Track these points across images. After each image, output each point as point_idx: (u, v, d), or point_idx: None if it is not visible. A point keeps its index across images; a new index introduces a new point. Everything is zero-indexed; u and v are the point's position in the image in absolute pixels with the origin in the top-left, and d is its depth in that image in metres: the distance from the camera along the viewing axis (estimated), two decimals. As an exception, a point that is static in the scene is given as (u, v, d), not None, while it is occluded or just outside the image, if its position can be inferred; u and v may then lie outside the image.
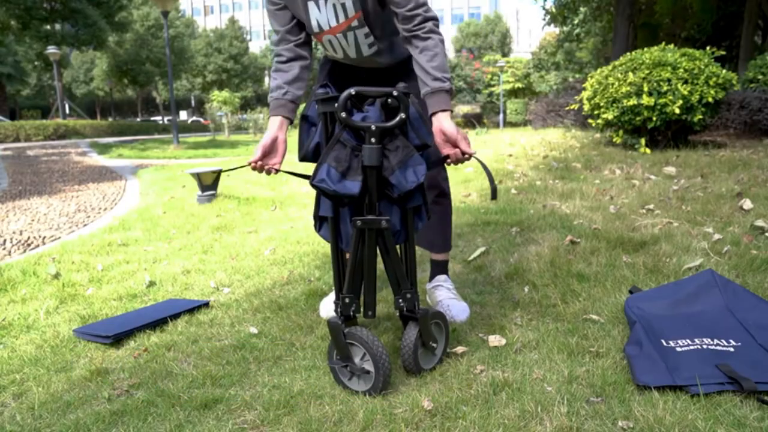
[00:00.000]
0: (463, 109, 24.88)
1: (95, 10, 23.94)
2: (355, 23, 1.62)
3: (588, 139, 7.70)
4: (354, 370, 1.36)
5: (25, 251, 3.21)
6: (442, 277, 1.95)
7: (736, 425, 1.14)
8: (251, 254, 2.83)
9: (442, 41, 1.56)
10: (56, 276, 2.58)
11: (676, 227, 2.73)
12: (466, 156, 1.49)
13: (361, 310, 1.43)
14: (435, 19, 1.57)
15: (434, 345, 1.48)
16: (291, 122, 1.66)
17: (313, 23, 1.64)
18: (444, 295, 1.87)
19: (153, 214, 4.03)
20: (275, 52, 1.71)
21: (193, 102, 54.09)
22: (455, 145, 1.49)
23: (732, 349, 1.38)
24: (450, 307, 1.80)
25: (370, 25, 1.64)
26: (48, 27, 23.85)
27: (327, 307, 1.91)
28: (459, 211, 3.49)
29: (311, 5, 1.61)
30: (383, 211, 1.41)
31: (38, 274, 2.61)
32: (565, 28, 19.88)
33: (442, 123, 1.50)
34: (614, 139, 6.28)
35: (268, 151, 1.58)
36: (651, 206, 3.21)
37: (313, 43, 1.76)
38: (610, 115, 5.90)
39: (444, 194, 1.88)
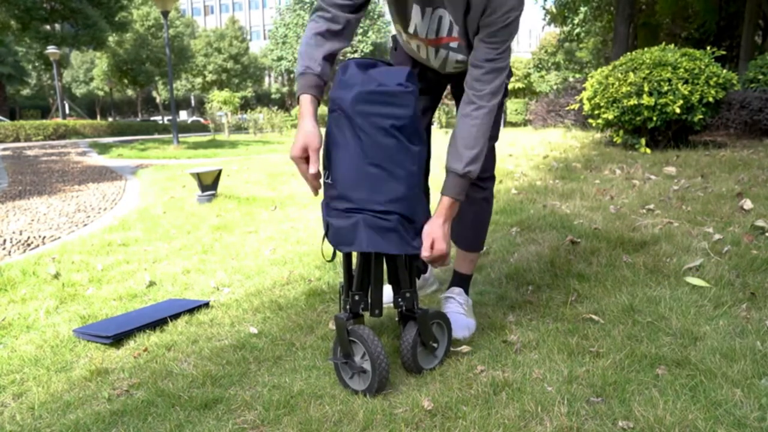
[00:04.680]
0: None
1: (95, 10, 23.93)
2: (453, 45, 1.55)
3: (588, 139, 7.70)
4: (353, 368, 1.36)
5: (25, 251, 3.21)
6: (457, 289, 1.80)
7: (736, 425, 1.14)
8: (251, 254, 2.83)
9: (495, 107, 1.47)
10: (56, 276, 2.58)
11: (677, 227, 2.73)
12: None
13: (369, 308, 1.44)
14: (503, 85, 1.48)
15: (435, 345, 1.48)
16: (319, 103, 1.43)
17: (411, 26, 1.56)
18: (452, 309, 1.74)
19: (153, 214, 4.03)
20: (320, 9, 1.44)
21: (193, 102, 54.11)
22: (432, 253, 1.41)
23: None
24: (453, 322, 1.66)
25: (467, 53, 1.55)
26: (48, 27, 23.85)
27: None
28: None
29: (415, 9, 1.51)
30: None
31: (38, 274, 2.61)
32: (565, 28, 19.89)
33: (432, 226, 1.42)
34: (614, 139, 6.28)
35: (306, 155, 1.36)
36: (651, 206, 3.21)
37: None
38: (610, 115, 5.90)
39: (489, 178, 1.74)
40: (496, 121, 1.69)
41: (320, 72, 1.40)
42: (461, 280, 1.83)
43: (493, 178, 1.77)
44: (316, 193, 1.37)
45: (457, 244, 1.82)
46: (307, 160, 1.34)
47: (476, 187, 1.72)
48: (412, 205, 1.36)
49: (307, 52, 1.42)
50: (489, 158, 1.71)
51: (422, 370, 1.45)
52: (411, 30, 1.57)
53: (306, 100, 1.38)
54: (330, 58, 1.43)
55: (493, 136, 1.71)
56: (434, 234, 1.42)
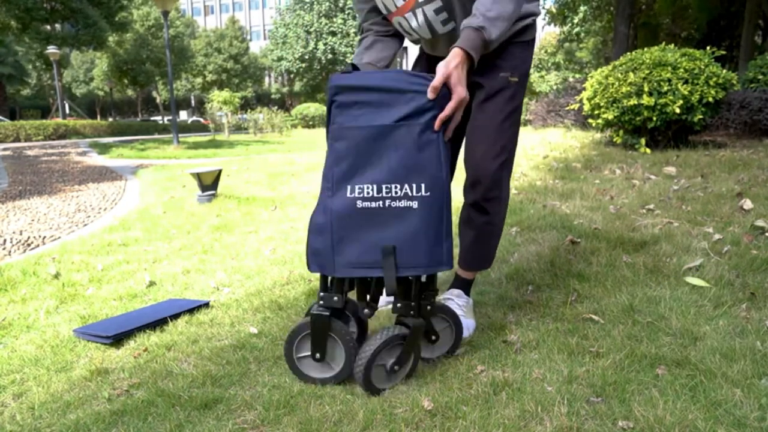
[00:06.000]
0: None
1: (95, 10, 23.94)
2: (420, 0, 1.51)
3: (588, 139, 7.70)
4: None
5: (25, 251, 3.21)
6: (456, 291, 1.77)
7: (736, 425, 1.14)
8: (251, 254, 2.83)
9: None
10: (56, 276, 2.58)
11: (676, 227, 2.73)
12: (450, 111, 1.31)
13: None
14: None
15: (433, 339, 1.47)
16: None
17: (380, 5, 1.60)
18: None
19: (153, 214, 4.03)
20: (359, 31, 1.73)
21: (193, 102, 54.09)
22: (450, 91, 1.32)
23: None
24: None
25: None
26: (48, 27, 23.85)
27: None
28: (456, 211, 3.48)
29: None
30: None
31: (38, 274, 2.61)
32: (565, 28, 19.89)
33: (443, 61, 1.34)
34: (614, 139, 6.28)
35: None
36: (651, 206, 3.21)
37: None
38: (610, 115, 5.90)
39: (484, 211, 1.62)
40: (512, 144, 1.62)
41: (357, 64, 1.54)
42: (462, 283, 1.81)
43: (498, 200, 1.61)
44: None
45: (459, 262, 1.79)
46: None
47: (480, 210, 1.63)
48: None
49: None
50: (495, 180, 1.59)
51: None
52: (383, 9, 1.61)
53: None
54: (365, 51, 1.68)
55: (510, 159, 1.62)
56: (446, 71, 1.31)
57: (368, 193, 1.28)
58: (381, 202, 1.29)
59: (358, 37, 1.70)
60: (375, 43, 1.66)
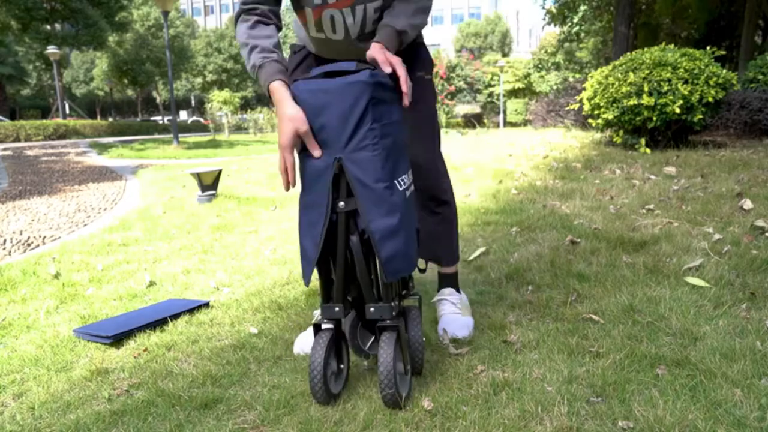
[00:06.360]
0: (463, 109, 24.93)
1: (95, 10, 23.97)
2: None
3: (588, 139, 7.70)
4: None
5: (25, 251, 3.21)
6: (447, 290, 1.80)
7: (736, 425, 1.14)
8: (251, 254, 2.83)
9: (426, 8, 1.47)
10: (56, 276, 2.58)
11: (676, 227, 2.73)
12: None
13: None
14: None
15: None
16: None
17: None
18: (447, 310, 1.74)
19: (153, 214, 4.03)
20: (243, 11, 1.42)
21: (193, 102, 54.10)
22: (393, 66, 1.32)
23: None
24: (449, 324, 1.68)
25: None
26: (48, 27, 23.87)
27: (302, 343, 1.65)
28: (460, 212, 3.48)
29: None
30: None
31: (38, 274, 2.61)
32: (565, 28, 19.89)
33: (370, 50, 1.34)
34: (614, 139, 6.28)
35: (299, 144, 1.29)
36: (651, 206, 3.21)
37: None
38: (610, 115, 5.90)
39: (445, 203, 1.74)
40: (437, 135, 1.68)
41: (279, 58, 1.36)
42: (448, 280, 1.82)
43: (449, 189, 1.72)
44: (288, 188, 1.32)
45: (436, 263, 1.82)
46: (292, 150, 1.29)
47: (440, 204, 1.71)
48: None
49: (254, 46, 1.36)
50: (441, 174, 1.69)
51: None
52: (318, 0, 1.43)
53: (278, 85, 1.30)
54: (278, 47, 1.39)
55: (436, 154, 1.67)
56: (375, 54, 1.33)
57: (406, 183, 1.35)
58: (410, 191, 1.37)
59: (247, 17, 1.41)
60: (275, 35, 1.41)
